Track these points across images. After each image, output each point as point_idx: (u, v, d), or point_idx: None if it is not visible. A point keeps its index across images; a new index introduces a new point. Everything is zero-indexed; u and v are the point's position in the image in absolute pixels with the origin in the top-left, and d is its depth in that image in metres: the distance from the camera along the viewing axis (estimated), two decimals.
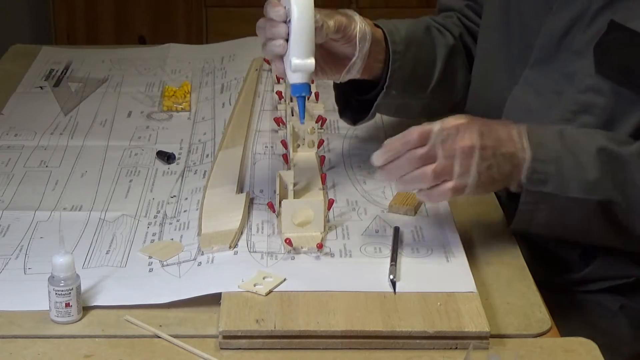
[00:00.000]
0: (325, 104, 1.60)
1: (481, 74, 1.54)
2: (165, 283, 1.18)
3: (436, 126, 1.19)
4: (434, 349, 1.08)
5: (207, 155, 1.53)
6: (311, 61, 1.24)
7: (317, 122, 1.53)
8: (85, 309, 1.13)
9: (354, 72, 1.37)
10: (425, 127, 1.19)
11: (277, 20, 1.25)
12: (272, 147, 1.55)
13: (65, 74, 1.88)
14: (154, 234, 1.30)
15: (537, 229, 1.27)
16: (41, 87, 1.82)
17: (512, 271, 1.24)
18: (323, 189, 1.36)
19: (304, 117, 1.29)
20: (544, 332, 1.13)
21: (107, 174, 1.48)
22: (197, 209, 1.35)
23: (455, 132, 1.19)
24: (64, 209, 1.37)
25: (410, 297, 1.14)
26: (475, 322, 1.09)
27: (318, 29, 1.25)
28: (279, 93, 1.66)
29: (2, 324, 1.11)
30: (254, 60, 1.89)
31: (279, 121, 1.59)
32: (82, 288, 1.13)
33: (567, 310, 1.30)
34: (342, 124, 1.61)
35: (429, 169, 1.18)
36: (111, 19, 3.46)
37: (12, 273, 1.21)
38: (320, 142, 1.49)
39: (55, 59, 1.96)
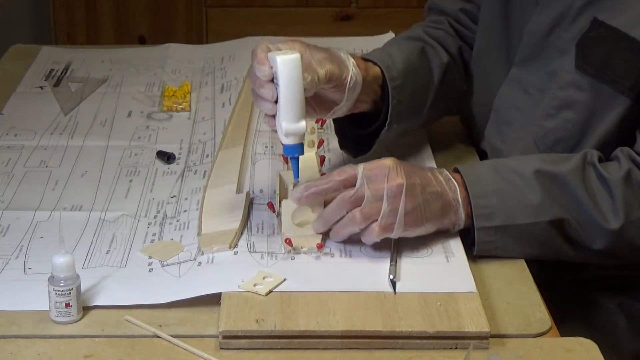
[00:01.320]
0: None
1: (479, 72, 1.54)
2: (165, 283, 1.18)
3: (360, 168, 1.20)
4: (434, 349, 1.08)
5: (207, 155, 1.53)
6: (302, 124, 1.21)
7: (317, 122, 1.53)
8: (85, 309, 1.13)
9: (339, 113, 1.34)
10: (350, 170, 1.20)
11: (263, 80, 1.20)
12: (272, 147, 1.55)
13: (65, 74, 1.88)
14: (154, 234, 1.30)
15: (502, 256, 1.27)
16: (41, 87, 1.82)
17: (512, 271, 1.24)
18: None
19: (297, 176, 1.26)
20: (544, 332, 1.13)
21: (107, 174, 1.48)
22: (197, 209, 1.35)
23: (380, 172, 1.20)
24: (64, 209, 1.37)
25: (410, 297, 1.14)
26: (475, 322, 1.09)
27: (307, 86, 1.21)
28: None
29: (2, 324, 1.11)
30: None
31: None
32: (82, 288, 1.13)
33: (565, 308, 1.30)
34: None
35: (357, 211, 1.19)
36: (111, 19, 3.46)
37: (12, 273, 1.21)
38: (320, 142, 1.48)
39: (55, 59, 1.96)
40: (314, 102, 1.30)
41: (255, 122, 1.64)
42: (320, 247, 1.23)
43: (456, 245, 1.25)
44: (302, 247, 1.23)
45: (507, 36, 1.47)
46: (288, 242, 1.23)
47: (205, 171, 1.47)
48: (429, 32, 1.56)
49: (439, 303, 1.12)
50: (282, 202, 1.30)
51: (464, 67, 1.57)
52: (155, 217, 1.35)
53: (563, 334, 1.14)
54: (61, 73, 1.88)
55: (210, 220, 1.30)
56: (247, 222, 1.30)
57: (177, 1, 3.45)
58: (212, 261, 1.22)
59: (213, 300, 1.14)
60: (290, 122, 1.20)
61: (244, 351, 1.08)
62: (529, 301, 1.18)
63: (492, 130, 1.46)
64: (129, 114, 1.71)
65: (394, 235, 1.21)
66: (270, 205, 1.33)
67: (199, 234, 1.28)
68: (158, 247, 1.27)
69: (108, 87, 1.83)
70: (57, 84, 1.83)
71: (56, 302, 1.10)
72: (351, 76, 1.29)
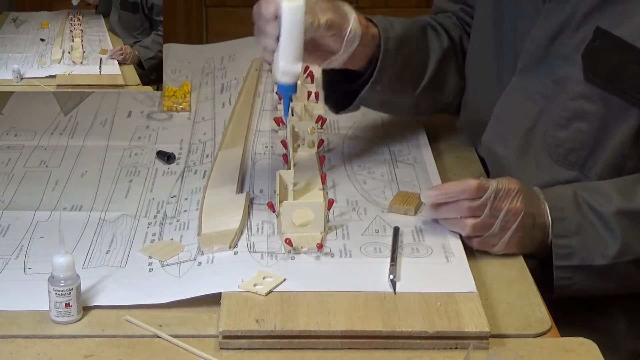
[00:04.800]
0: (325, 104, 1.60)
1: (471, 78, 1.55)
2: (165, 283, 1.18)
3: (493, 184, 1.24)
4: (434, 349, 1.08)
5: (207, 155, 1.53)
6: (298, 66, 1.27)
7: (317, 122, 1.53)
8: (85, 309, 1.13)
9: (334, 64, 1.39)
10: (483, 182, 1.24)
11: (269, 17, 1.26)
12: (272, 147, 1.55)
13: None
14: (154, 234, 1.30)
15: (581, 295, 1.29)
16: None
17: (512, 271, 1.24)
18: (323, 189, 1.36)
19: (287, 113, 1.32)
20: (544, 332, 1.13)
21: (107, 174, 1.48)
22: (197, 209, 1.35)
23: (506, 193, 1.24)
24: (64, 209, 1.37)
25: (410, 297, 1.14)
26: (475, 322, 1.09)
27: (307, 28, 1.27)
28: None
29: (2, 324, 1.11)
30: (254, 60, 1.89)
31: (278, 121, 1.59)
32: (82, 288, 1.13)
33: (564, 308, 1.30)
34: (342, 124, 1.61)
35: (470, 222, 1.24)
36: None
37: (12, 273, 1.21)
38: (320, 142, 1.49)
39: None
40: (313, 49, 1.35)
41: (255, 122, 1.64)
42: (320, 247, 1.23)
43: (456, 246, 1.25)
44: (302, 247, 1.23)
45: (499, 44, 1.48)
46: (288, 242, 1.23)
47: (205, 171, 1.47)
48: (435, 18, 1.61)
49: (439, 303, 1.12)
50: (282, 203, 1.30)
51: (463, 58, 1.58)
52: (155, 217, 1.35)
53: (562, 333, 1.14)
54: None
55: (210, 220, 1.30)
56: (247, 222, 1.31)
57: (177, 1, 3.45)
58: (212, 261, 1.22)
59: (213, 300, 1.14)
60: (288, 62, 1.26)
61: (244, 351, 1.08)
62: (529, 301, 1.18)
63: (493, 137, 1.45)
64: (129, 114, 1.71)
65: (490, 251, 1.26)
66: (270, 205, 1.33)
67: (199, 234, 1.28)
68: (158, 247, 1.27)
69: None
70: None
71: (56, 302, 1.10)
72: (350, 29, 1.35)
